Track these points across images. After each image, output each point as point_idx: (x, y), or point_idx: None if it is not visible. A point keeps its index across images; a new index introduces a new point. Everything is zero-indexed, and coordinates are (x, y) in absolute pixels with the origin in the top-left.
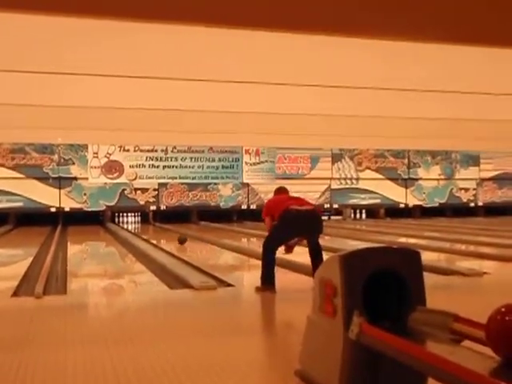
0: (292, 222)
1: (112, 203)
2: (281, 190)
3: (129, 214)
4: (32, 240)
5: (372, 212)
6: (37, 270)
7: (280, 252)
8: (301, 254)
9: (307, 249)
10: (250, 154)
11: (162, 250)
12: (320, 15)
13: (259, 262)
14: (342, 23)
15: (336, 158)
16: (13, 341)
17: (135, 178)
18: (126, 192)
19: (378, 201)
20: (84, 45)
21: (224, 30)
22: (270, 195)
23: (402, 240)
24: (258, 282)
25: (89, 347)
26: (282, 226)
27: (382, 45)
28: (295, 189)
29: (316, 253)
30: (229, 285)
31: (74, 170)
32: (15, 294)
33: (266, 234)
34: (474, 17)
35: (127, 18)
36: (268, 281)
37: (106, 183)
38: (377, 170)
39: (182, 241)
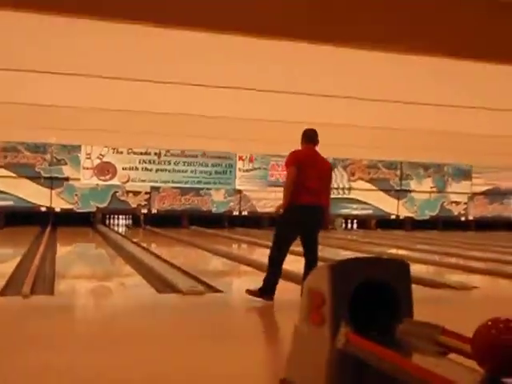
0: (296, 218)
1: (103, 205)
2: (309, 137)
3: (120, 217)
4: (21, 239)
5: (363, 222)
6: (25, 270)
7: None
8: (290, 263)
9: (297, 257)
10: (243, 160)
11: (152, 253)
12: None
13: (249, 269)
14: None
15: None
16: None
17: (128, 181)
18: (117, 194)
19: (369, 211)
20: (79, 45)
21: (220, 36)
22: (262, 202)
23: (392, 251)
24: (248, 288)
25: (74, 349)
26: (285, 222)
27: (382, 56)
28: None
29: (312, 257)
30: (217, 290)
31: (67, 171)
32: (2, 293)
33: (257, 241)
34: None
35: (124, 20)
36: (267, 288)
37: (97, 184)
38: (369, 181)
39: None
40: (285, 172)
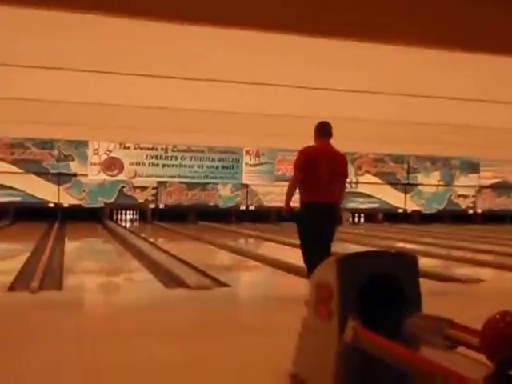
0: (310, 216)
1: (111, 200)
2: (322, 131)
3: (127, 212)
4: (30, 235)
5: (370, 216)
6: (33, 265)
7: (278, 253)
8: (298, 257)
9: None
10: (250, 154)
11: (160, 248)
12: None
13: (256, 263)
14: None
15: None
16: (6, 335)
17: (135, 176)
18: (124, 189)
19: (376, 205)
20: (86, 41)
21: (228, 30)
22: (269, 197)
23: (400, 245)
24: (254, 283)
25: (82, 344)
26: (302, 220)
27: (389, 49)
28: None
29: (324, 254)
30: (225, 285)
31: (74, 166)
32: (11, 288)
33: (264, 235)
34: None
35: (130, 16)
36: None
37: (104, 180)
38: (376, 175)
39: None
40: (292, 167)
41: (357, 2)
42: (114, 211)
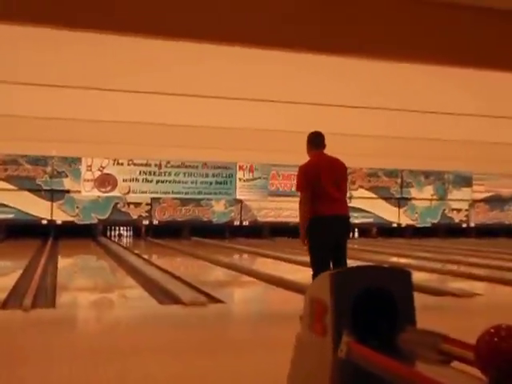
0: (321, 230)
1: (104, 217)
2: (316, 142)
3: (121, 228)
4: (22, 252)
5: (364, 231)
6: (26, 283)
7: (272, 269)
8: (293, 273)
9: (299, 266)
10: (243, 170)
11: (153, 264)
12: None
13: (251, 279)
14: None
15: None
16: None
17: (128, 192)
18: (118, 206)
19: (370, 220)
20: (78, 58)
21: (218, 47)
22: (263, 212)
23: (394, 259)
24: (249, 299)
25: (76, 363)
26: (313, 235)
27: (382, 65)
28: (288, 206)
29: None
30: (219, 301)
31: (67, 183)
32: (3, 306)
33: (258, 251)
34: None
35: (124, 33)
36: None
37: (98, 196)
38: (370, 189)
39: None
40: (286, 181)
41: (355, 19)
42: (108, 227)
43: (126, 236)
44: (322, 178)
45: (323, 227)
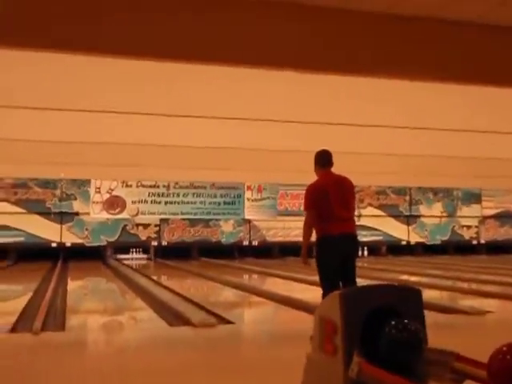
0: (330, 249)
1: (113, 239)
2: (323, 161)
3: (130, 250)
4: (32, 275)
5: (374, 249)
6: (36, 306)
7: (282, 289)
8: (302, 292)
9: (308, 286)
10: (251, 190)
11: (163, 286)
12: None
13: (260, 299)
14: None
15: None
16: (9, 377)
17: (137, 214)
18: (127, 227)
19: (379, 238)
20: (87, 82)
21: (227, 68)
22: (272, 232)
23: (404, 277)
24: (259, 319)
25: None
26: (322, 255)
27: (387, 82)
28: (297, 225)
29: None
30: (229, 322)
31: (76, 205)
32: (13, 329)
33: (268, 271)
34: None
35: (129, 56)
36: None
37: (107, 219)
38: (379, 207)
39: None
40: (294, 201)
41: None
42: (117, 249)
43: (136, 258)
44: (331, 198)
45: (331, 246)
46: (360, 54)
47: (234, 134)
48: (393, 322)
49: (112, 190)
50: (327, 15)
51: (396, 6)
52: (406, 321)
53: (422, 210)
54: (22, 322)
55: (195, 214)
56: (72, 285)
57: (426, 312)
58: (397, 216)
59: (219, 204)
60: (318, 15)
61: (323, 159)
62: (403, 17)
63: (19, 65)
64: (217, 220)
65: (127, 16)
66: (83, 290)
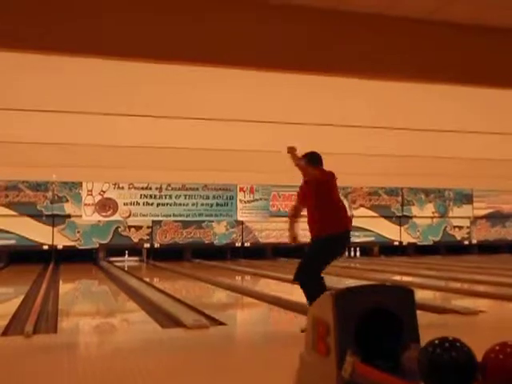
0: (336, 244)
1: (105, 241)
2: (320, 159)
3: (122, 252)
4: (24, 278)
5: (366, 250)
6: (27, 309)
7: (274, 290)
8: (294, 293)
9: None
10: (244, 191)
11: (155, 287)
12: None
13: (252, 300)
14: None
15: None
16: (0, 381)
17: (129, 216)
18: (119, 230)
19: (372, 238)
20: (77, 83)
21: (219, 70)
22: (265, 233)
23: (397, 278)
24: (251, 320)
25: None
26: (326, 249)
27: (380, 84)
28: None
29: None
30: (221, 323)
31: (68, 208)
32: (4, 332)
33: (260, 272)
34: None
35: (123, 58)
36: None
37: (99, 221)
38: (371, 208)
39: None
40: (287, 202)
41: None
42: (109, 252)
43: (128, 260)
44: (334, 191)
45: (338, 244)
46: (355, 55)
47: (226, 135)
48: (436, 341)
49: (104, 192)
50: (325, 16)
51: (392, 7)
52: (451, 338)
53: (414, 210)
54: (14, 325)
55: (187, 215)
56: (64, 287)
57: (418, 312)
58: (389, 217)
59: (211, 205)
60: (314, 17)
61: (317, 158)
62: (399, 18)
63: (8, 66)
64: (209, 221)
65: (121, 16)
66: (75, 292)
